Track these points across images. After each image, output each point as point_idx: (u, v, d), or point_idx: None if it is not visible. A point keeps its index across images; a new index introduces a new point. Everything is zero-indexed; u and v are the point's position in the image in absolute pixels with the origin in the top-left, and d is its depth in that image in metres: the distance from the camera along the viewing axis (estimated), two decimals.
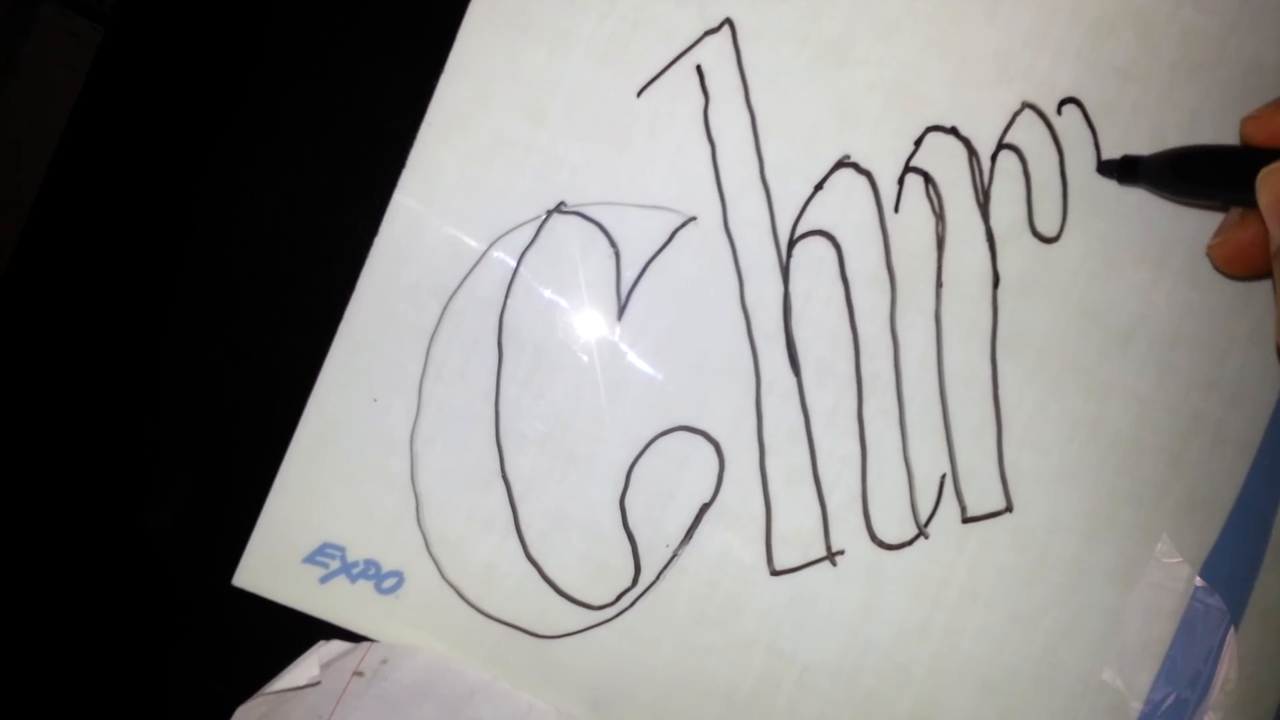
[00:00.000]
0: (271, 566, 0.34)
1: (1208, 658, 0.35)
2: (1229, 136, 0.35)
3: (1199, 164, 0.33)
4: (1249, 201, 0.30)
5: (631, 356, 0.35)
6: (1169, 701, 0.35)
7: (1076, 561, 0.35)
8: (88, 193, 0.36)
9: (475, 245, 0.34)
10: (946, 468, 0.35)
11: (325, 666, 0.33)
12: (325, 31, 0.36)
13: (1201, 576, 0.35)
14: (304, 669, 0.32)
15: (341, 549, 0.35)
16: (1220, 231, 0.34)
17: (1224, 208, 0.34)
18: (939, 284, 0.35)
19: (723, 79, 0.35)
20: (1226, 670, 0.35)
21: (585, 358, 0.35)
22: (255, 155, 0.36)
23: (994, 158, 0.35)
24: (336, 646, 0.34)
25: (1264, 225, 0.30)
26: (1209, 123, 0.35)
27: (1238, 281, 0.35)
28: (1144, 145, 0.35)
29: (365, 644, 0.34)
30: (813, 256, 0.35)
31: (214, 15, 0.36)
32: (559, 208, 0.35)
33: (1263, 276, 0.34)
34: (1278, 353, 0.35)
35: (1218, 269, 0.35)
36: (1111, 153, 0.35)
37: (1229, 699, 0.35)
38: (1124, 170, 0.34)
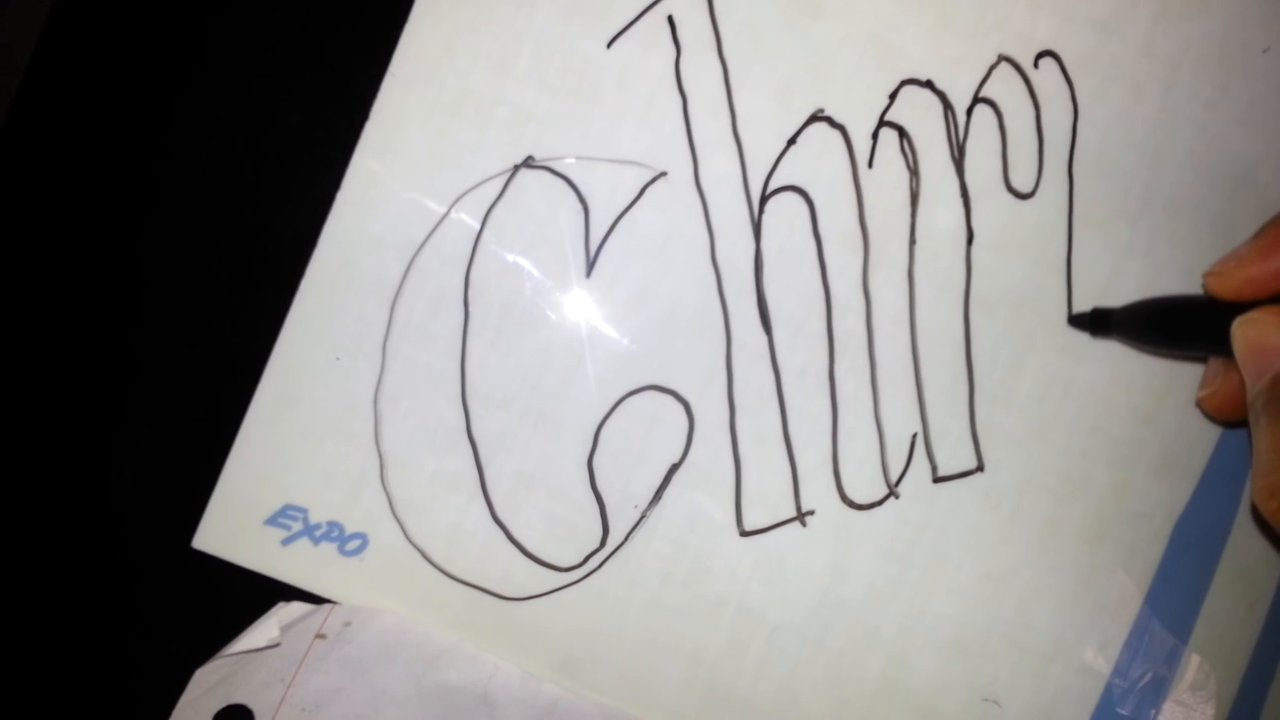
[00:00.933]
0: (232, 529, 0.34)
1: (1183, 619, 0.35)
2: (1209, 89, 0.34)
3: (1172, 318, 0.32)
4: (1227, 352, 0.29)
5: (600, 314, 0.34)
6: (1141, 662, 0.35)
7: (1048, 521, 0.35)
8: (43, 148, 0.35)
9: (440, 201, 0.34)
10: (918, 427, 0.34)
11: (286, 629, 0.33)
12: None
13: (1174, 536, 0.35)
14: (263, 631, 0.32)
15: (304, 510, 0.34)
16: (1206, 383, 0.33)
17: (1203, 359, 0.34)
18: (912, 241, 0.34)
19: (695, 30, 0.34)
20: (1200, 632, 0.35)
21: (553, 316, 0.34)
22: (216, 110, 0.35)
23: (969, 112, 0.34)
24: (297, 608, 0.33)
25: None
26: (1189, 76, 0.34)
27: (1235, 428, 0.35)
28: (1120, 99, 0.34)
29: (327, 606, 0.34)
30: (785, 213, 0.34)
31: None
32: (526, 162, 0.34)
33: None
34: (1253, 502, 0.32)
35: (1210, 418, 0.34)
36: (1089, 118, 0.34)
37: (1204, 660, 0.35)
38: (1095, 323, 0.34)
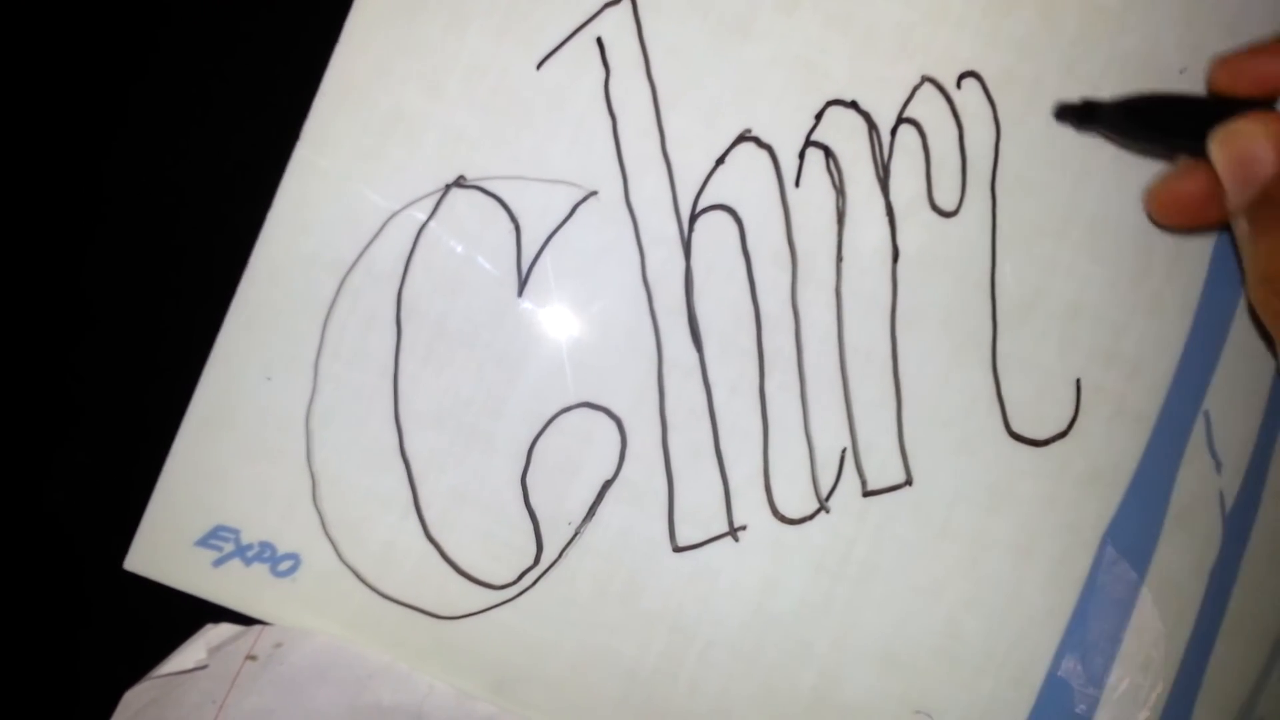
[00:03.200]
0: (163, 550, 0.34)
1: (1112, 630, 0.36)
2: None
3: (1156, 112, 0.32)
4: (1203, 153, 0.30)
5: (532, 332, 0.34)
6: (1071, 673, 0.35)
7: (977, 534, 0.35)
8: None
9: (373, 219, 0.34)
10: (847, 442, 0.35)
11: (214, 650, 0.32)
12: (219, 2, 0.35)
13: (1101, 548, 0.35)
14: (190, 653, 0.32)
15: (236, 531, 0.34)
16: (1162, 177, 0.33)
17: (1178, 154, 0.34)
18: (839, 259, 0.35)
19: (624, 52, 0.34)
20: (1130, 642, 0.36)
21: (485, 334, 0.34)
22: (149, 129, 0.35)
23: (894, 132, 0.35)
24: (226, 630, 0.33)
25: (1210, 180, 0.30)
26: (1110, 95, 0.35)
27: (1174, 231, 0.35)
28: (1042, 121, 0.35)
29: (257, 627, 0.34)
30: (714, 231, 0.35)
31: None
32: (458, 182, 0.34)
33: (1191, 230, 0.35)
34: (1250, 307, 0.34)
35: (1151, 218, 0.35)
36: (1011, 137, 0.35)
37: (1134, 669, 0.36)
38: (1082, 115, 0.34)
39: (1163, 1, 0.35)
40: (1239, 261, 0.32)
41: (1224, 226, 0.33)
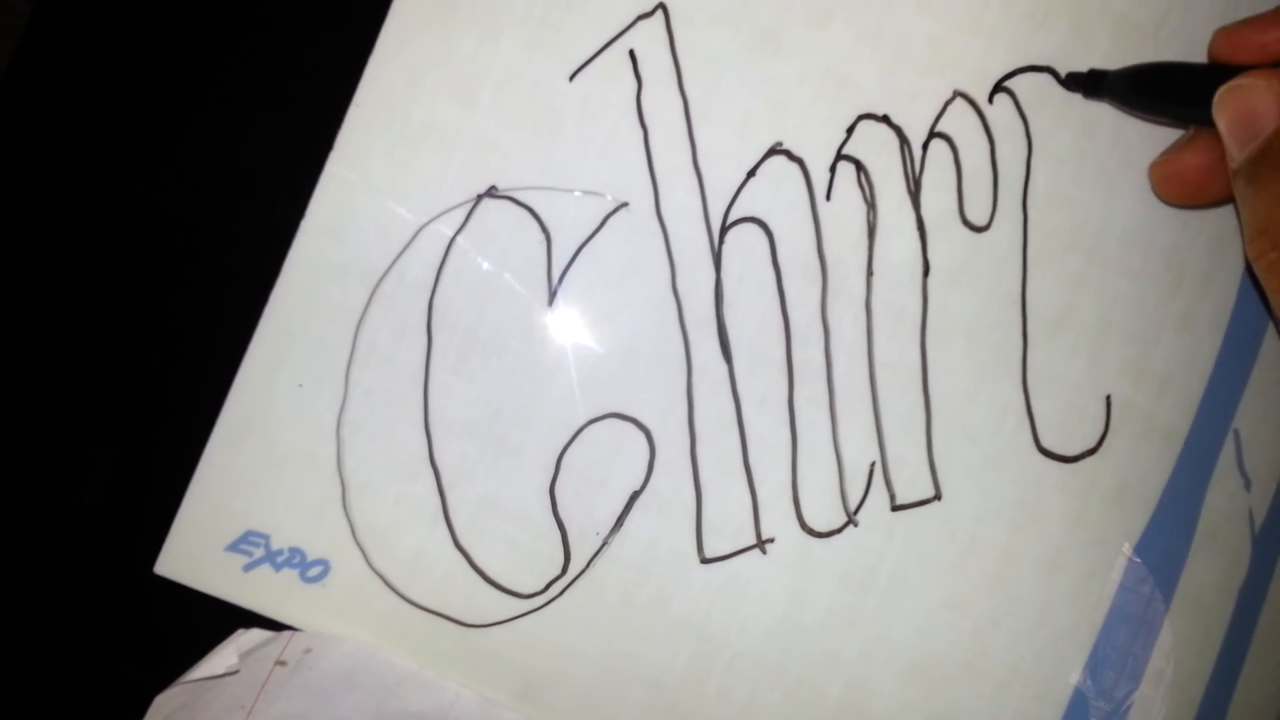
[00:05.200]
0: (193, 554, 0.34)
1: (1139, 647, 0.35)
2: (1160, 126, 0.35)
3: (1162, 80, 0.33)
4: (1207, 120, 0.30)
5: (562, 342, 0.34)
6: (1097, 690, 0.35)
7: (1004, 549, 0.35)
8: (8, 164, 0.35)
9: (405, 228, 0.34)
10: (876, 455, 0.35)
11: (245, 655, 0.33)
12: (253, 8, 0.35)
13: (1129, 565, 0.35)
14: (222, 658, 0.32)
15: (265, 537, 0.34)
16: (1166, 151, 0.33)
17: (1185, 124, 0.34)
18: (870, 272, 0.35)
19: (656, 64, 0.34)
20: (1157, 660, 0.36)
21: (516, 343, 0.34)
22: (181, 136, 0.35)
23: (925, 146, 0.35)
24: (256, 635, 0.33)
25: (1212, 152, 0.30)
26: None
27: (1177, 207, 0.35)
28: (1074, 134, 0.35)
29: (287, 633, 0.34)
30: (745, 243, 0.35)
31: None
32: (490, 192, 0.34)
33: (1196, 206, 0.34)
34: (1246, 263, 0.34)
35: (1155, 192, 0.35)
36: (1043, 152, 0.35)
37: (1160, 688, 0.35)
38: (1089, 84, 0.34)
39: (1194, 18, 0.35)
40: (1240, 225, 0.31)
41: (1226, 201, 0.33)
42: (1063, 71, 0.35)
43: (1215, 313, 0.35)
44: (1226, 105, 0.29)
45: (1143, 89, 0.33)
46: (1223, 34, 0.31)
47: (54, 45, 0.35)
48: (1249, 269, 0.35)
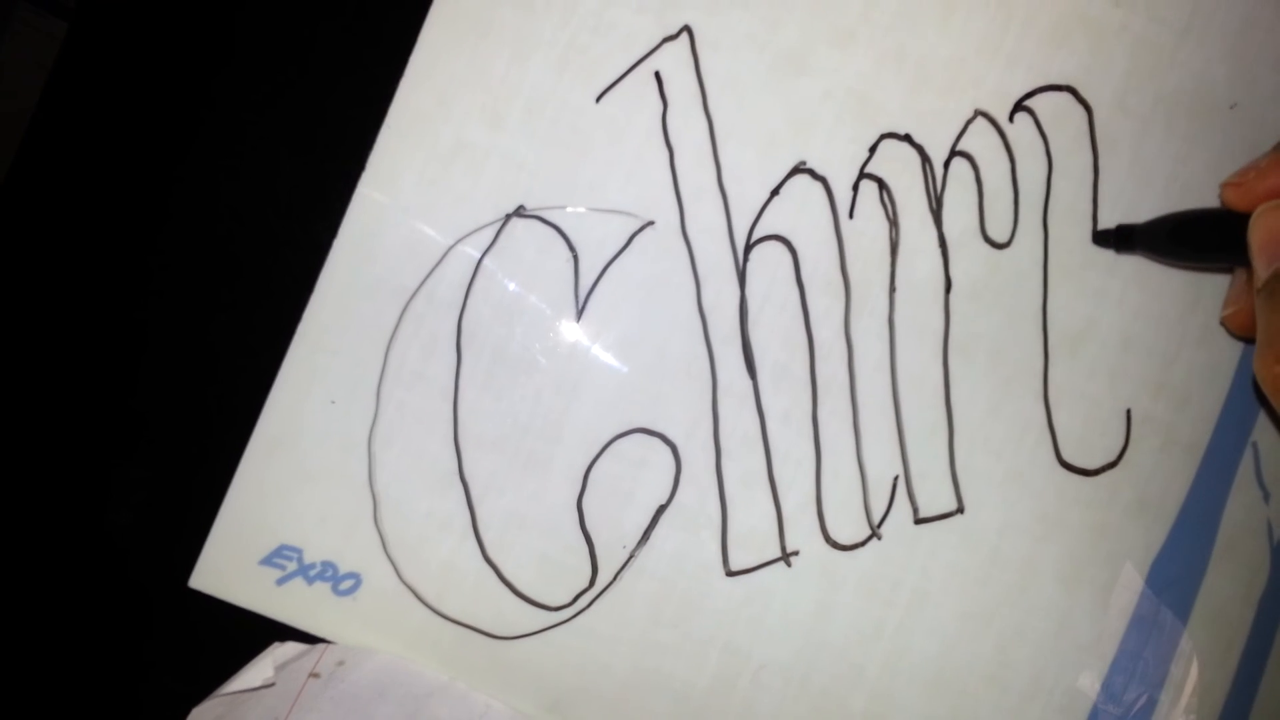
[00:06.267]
0: (228, 568, 0.35)
1: (1159, 659, 0.36)
2: (1179, 143, 0.35)
3: (1195, 230, 0.33)
4: (1242, 259, 0.30)
5: (589, 359, 0.35)
6: (1118, 702, 0.36)
7: (1026, 562, 0.35)
8: (51, 189, 0.36)
9: (435, 247, 0.35)
10: (899, 469, 0.35)
11: (280, 668, 0.33)
12: (288, 33, 0.36)
13: (1149, 577, 0.36)
14: (258, 670, 0.32)
15: (298, 550, 0.35)
16: (1230, 301, 0.34)
17: (1226, 270, 0.35)
18: (892, 289, 0.35)
19: (681, 85, 0.35)
20: (1176, 671, 0.36)
21: (544, 360, 0.35)
22: (218, 158, 0.36)
23: (947, 164, 0.35)
24: (292, 648, 0.34)
25: None
26: (1161, 130, 0.35)
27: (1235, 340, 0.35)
28: (1093, 153, 0.35)
29: (321, 645, 0.34)
30: (769, 261, 0.35)
31: (178, 14, 0.36)
32: (518, 211, 0.35)
33: None
34: (1254, 382, 0.35)
35: (1234, 336, 0.35)
36: (1063, 170, 0.35)
37: (1180, 699, 0.36)
38: (1120, 239, 0.35)
39: (1212, 37, 0.35)
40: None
41: None
42: (1082, 90, 0.35)
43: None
44: (1259, 227, 0.30)
45: (1180, 240, 0.33)
46: (1232, 188, 0.31)
47: (96, 64, 0.36)
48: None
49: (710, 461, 0.35)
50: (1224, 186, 0.31)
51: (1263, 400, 0.36)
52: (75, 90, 0.36)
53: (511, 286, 0.35)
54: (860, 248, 0.35)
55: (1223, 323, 0.35)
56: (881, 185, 0.35)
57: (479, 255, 0.35)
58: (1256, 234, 0.30)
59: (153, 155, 0.36)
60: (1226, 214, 0.31)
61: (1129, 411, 0.36)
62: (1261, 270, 0.30)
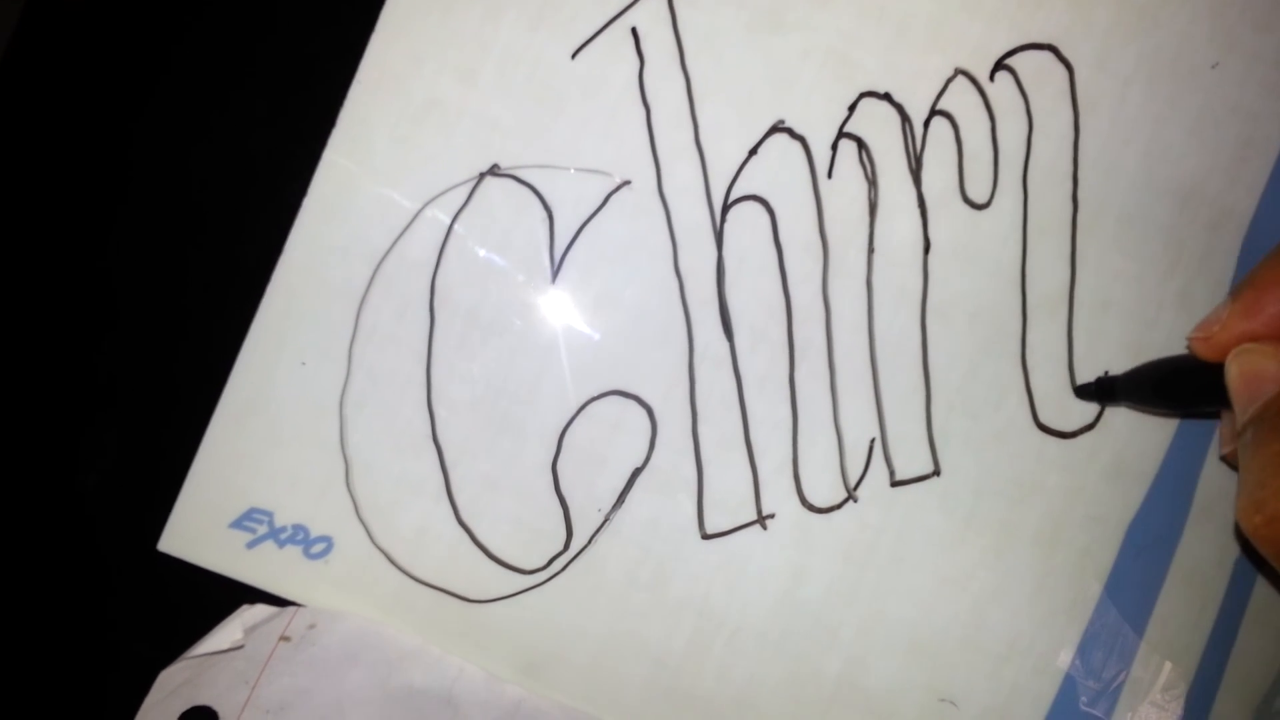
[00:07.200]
0: (197, 531, 0.34)
1: (1135, 620, 0.36)
2: (1160, 103, 0.35)
3: (1174, 382, 0.33)
4: (1223, 402, 0.30)
5: (564, 320, 0.35)
6: (1094, 664, 0.36)
7: (1003, 525, 0.35)
8: (11, 151, 0.35)
9: (407, 207, 0.34)
10: (876, 432, 0.35)
11: (249, 631, 0.33)
12: None
13: (1126, 540, 0.36)
14: (227, 633, 0.32)
15: (269, 514, 0.34)
16: (1226, 441, 0.34)
17: (1215, 415, 0.35)
18: (870, 250, 0.35)
19: (658, 42, 0.34)
20: (1152, 632, 0.36)
21: (518, 321, 0.35)
22: (183, 116, 0.35)
23: (926, 124, 0.35)
24: (261, 611, 0.33)
25: None
26: (1142, 90, 0.35)
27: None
28: (1074, 112, 0.35)
29: (291, 608, 0.34)
30: (746, 221, 0.35)
31: None
32: (492, 170, 0.34)
33: None
34: (1236, 526, 0.35)
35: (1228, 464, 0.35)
36: (1044, 130, 0.35)
37: (1154, 659, 0.36)
38: (1101, 392, 0.35)
39: None
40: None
41: None
42: (1063, 49, 0.35)
43: (1213, 290, 0.35)
44: (1233, 373, 0.30)
45: (1164, 393, 0.33)
46: (1199, 342, 0.31)
47: (52, 31, 0.35)
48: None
49: (686, 424, 0.35)
50: (1191, 340, 0.31)
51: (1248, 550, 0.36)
52: (38, 47, 0.35)
53: (485, 247, 0.34)
54: (839, 208, 0.35)
55: (1223, 459, 0.35)
56: (861, 145, 0.35)
57: (452, 215, 0.34)
58: (1231, 380, 0.30)
59: (117, 115, 0.35)
60: (1202, 363, 0.31)
61: (1107, 374, 0.35)
62: (1240, 413, 0.30)
